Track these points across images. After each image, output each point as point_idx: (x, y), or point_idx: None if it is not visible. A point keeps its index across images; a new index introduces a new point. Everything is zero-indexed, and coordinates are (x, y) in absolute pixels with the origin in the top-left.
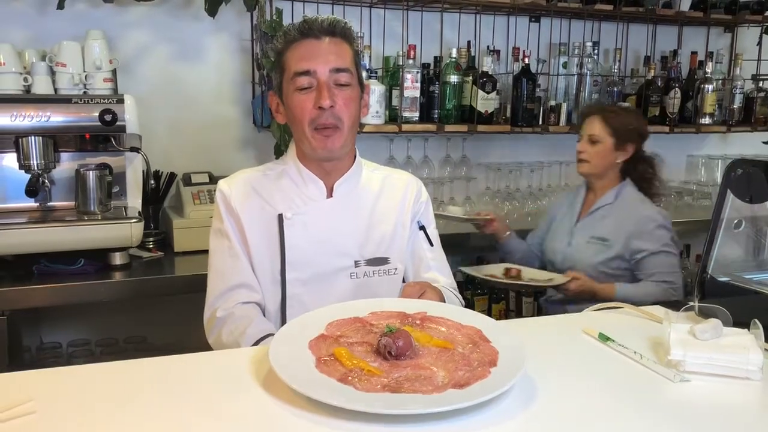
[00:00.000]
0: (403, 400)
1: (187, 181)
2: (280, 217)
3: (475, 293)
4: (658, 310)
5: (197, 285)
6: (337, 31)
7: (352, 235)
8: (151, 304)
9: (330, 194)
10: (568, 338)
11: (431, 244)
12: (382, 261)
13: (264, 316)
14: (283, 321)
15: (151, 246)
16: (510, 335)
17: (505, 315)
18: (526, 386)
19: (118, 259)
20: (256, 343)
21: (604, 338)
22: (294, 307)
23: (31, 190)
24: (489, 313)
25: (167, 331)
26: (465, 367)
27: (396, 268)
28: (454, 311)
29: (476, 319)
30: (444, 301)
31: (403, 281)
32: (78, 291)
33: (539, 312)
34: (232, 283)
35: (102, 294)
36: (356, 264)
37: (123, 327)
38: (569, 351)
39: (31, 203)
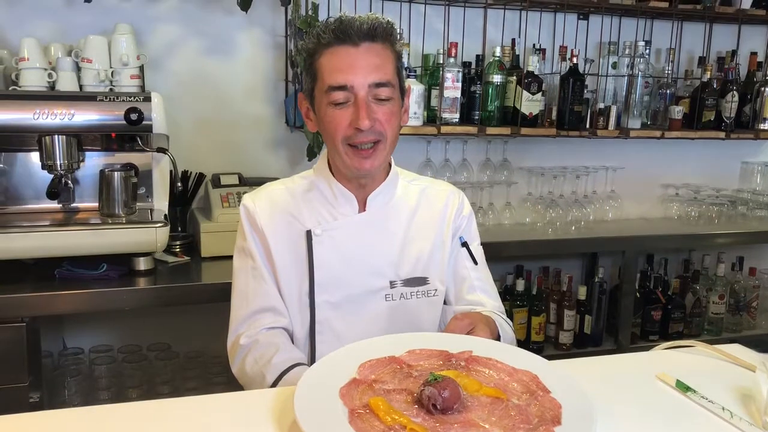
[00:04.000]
0: None
1: (216, 182)
2: (309, 234)
3: (514, 305)
4: (742, 352)
5: (224, 294)
6: (378, 34)
7: (386, 253)
8: (176, 311)
9: (363, 208)
10: (639, 386)
11: (475, 262)
12: (420, 281)
13: (292, 342)
14: (312, 348)
15: (177, 250)
16: (571, 384)
17: (545, 328)
18: None
19: (142, 264)
20: (283, 374)
21: (683, 388)
22: (324, 333)
23: (53, 193)
24: (528, 326)
25: (193, 339)
26: (524, 425)
27: (436, 289)
28: (504, 351)
29: (530, 362)
30: (497, 335)
31: (445, 303)
32: (100, 298)
33: (581, 325)
34: (256, 307)
35: (124, 302)
36: (392, 285)
37: (147, 333)
38: (642, 404)
39: (54, 204)
